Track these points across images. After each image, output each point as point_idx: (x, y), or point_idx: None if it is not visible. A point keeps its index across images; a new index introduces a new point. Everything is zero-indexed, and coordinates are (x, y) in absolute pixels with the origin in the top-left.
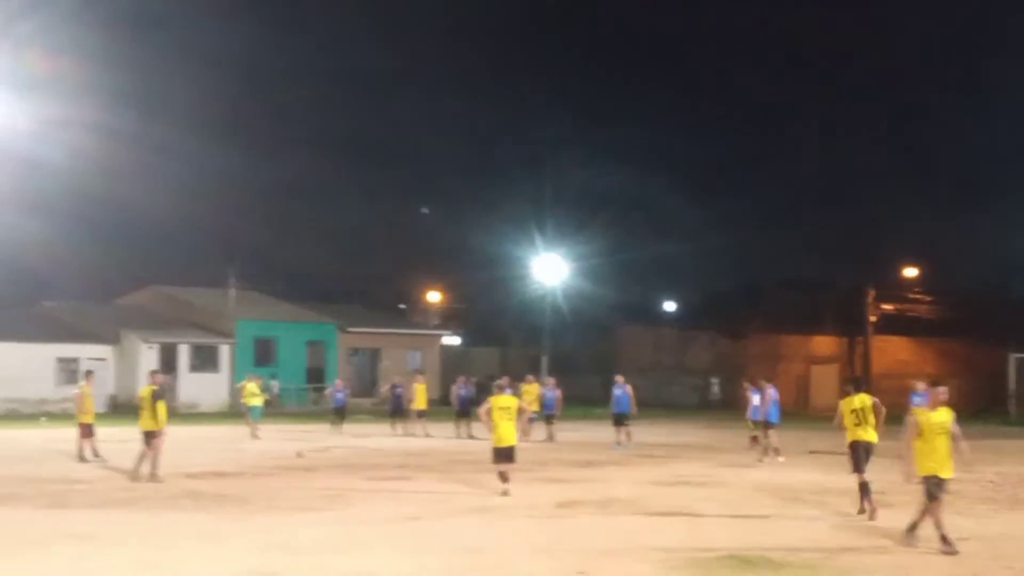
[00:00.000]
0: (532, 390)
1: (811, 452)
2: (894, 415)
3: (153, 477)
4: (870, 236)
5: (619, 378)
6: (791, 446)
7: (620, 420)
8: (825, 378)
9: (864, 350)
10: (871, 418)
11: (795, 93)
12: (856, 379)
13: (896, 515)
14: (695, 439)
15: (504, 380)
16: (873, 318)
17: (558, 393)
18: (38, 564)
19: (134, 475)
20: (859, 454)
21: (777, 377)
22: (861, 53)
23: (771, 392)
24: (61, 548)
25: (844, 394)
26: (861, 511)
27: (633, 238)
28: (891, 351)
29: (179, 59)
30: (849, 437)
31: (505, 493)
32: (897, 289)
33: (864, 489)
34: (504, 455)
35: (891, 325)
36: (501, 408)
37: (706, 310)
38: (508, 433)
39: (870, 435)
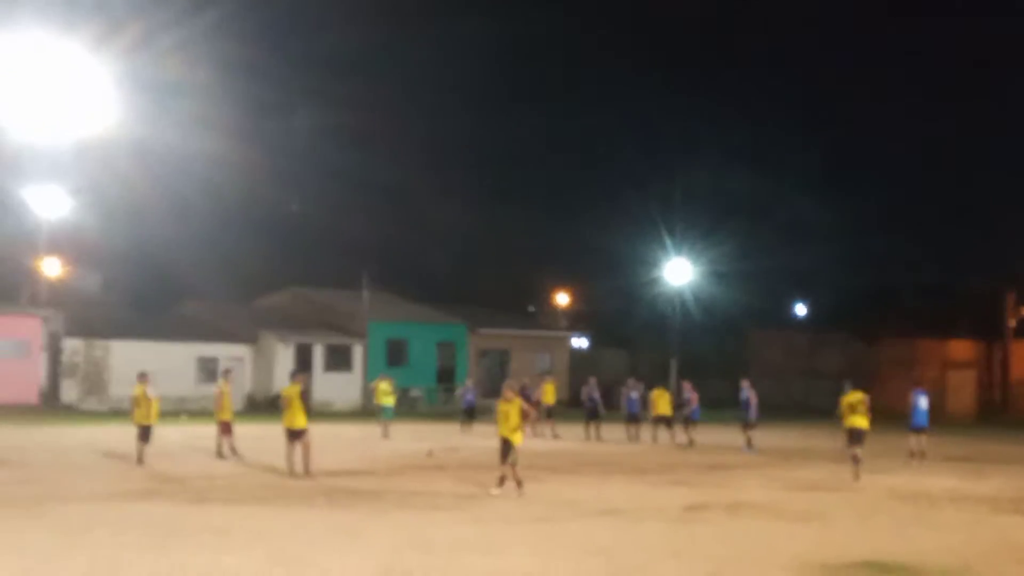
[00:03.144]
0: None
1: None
2: None
3: (295, 473)
4: (1010, 238)
5: (745, 382)
6: (927, 451)
7: (746, 424)
8: (962, 384)
9: (1003, 355)
10: (862, 409)
11: (930, 95)
12: (852, 380)
13: None
14: (826, 443)
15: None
16: (1012, 322)
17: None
18: (181, 558)
19: (310, 472)
20: (853, 436)
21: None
22: (994, 53)
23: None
24: (202, 542)
25: (845, 391)
26: (856, 478)
27: (763, 242)
28: None
29: (314, 67)
30: (846, 424)
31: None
32: None
33: (855, 460)
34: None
35: None
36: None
37: (838, 314)
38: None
39: (862, 422)
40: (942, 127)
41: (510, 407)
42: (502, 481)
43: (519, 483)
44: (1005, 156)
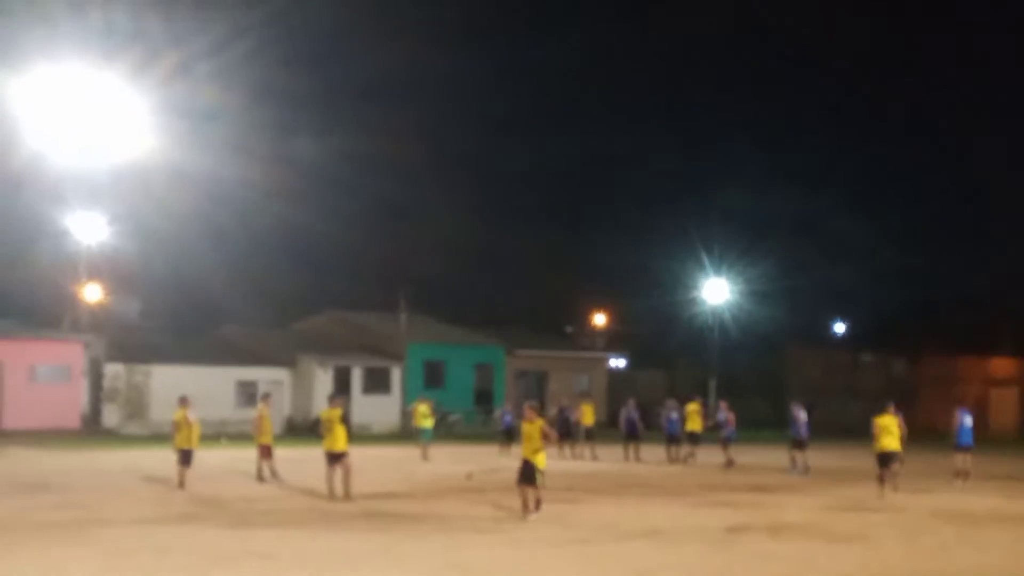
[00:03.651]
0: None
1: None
2: None
3: (335, 496)
4: None
5: (795, 404)
6: (971, 470)
7: (796, 444)
8: (1005, 401)
9: None
10: (895, 431)
11: (966, 109)
12: (892, 400)
13: None
14: (867, 464)
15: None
16: None
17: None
18: None
19: (350, 496)
20: (883, 458)
21: (958, 400)
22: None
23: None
24: (245, 567)
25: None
26: (880, 495)
27: (802, 260)
28: None
29: (348, 93)
30: (876, 447)
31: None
32: None
33: (881, 480)
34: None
35: None
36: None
37: (878, 331)
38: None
39: (893, 444)
40: (983, 141)
41: (532, 428)
42: (537, 505)
43: (538, 502)
44: None
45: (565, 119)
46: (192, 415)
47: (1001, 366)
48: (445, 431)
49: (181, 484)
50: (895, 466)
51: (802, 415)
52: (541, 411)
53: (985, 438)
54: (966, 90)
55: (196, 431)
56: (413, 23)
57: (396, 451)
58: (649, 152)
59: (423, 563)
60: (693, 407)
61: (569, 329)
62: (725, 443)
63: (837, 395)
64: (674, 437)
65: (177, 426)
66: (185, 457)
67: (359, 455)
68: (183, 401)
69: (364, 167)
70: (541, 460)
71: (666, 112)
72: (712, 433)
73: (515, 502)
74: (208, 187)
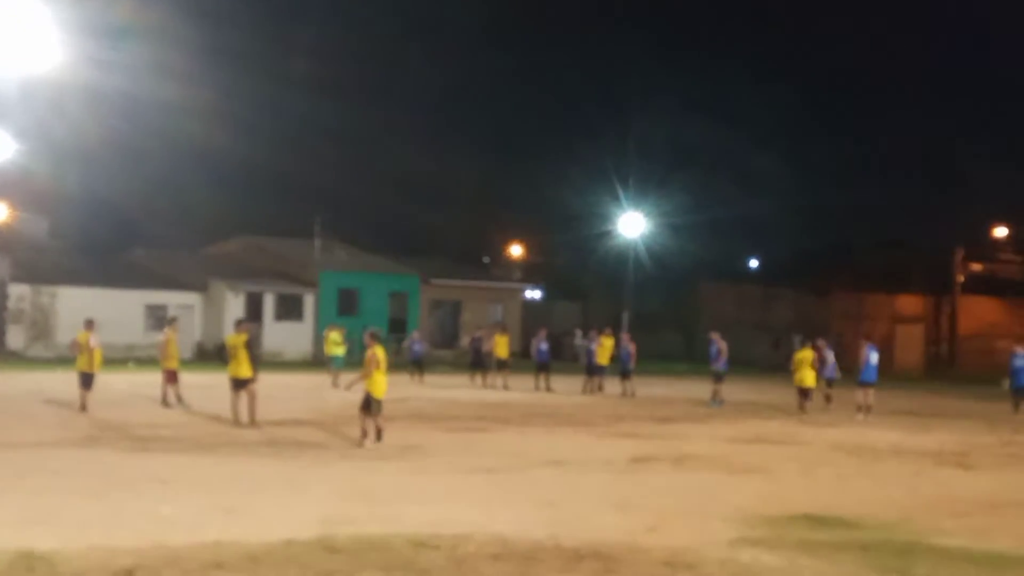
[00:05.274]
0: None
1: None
2: (983, 376)
3: (239, 422)
4: (960, 195)
5: (714, 335)
6: (873, 405)
7: (715, 377)
8: (911, 338)
9: (951, 310)
10: (811, 364)
11: (884, 51)
12: (802, 335)
13: (977, 477)
14: (775, 397)
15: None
16: (961, 278)
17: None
18: (117, 504)
19: (255, 422)
20: (805, 391)
21: (860, 336)
22: (949, 18)
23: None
24: (141, 490)
25: (801, 347)
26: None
27: (717, 194)
28: (979, 312)
29: (268, 12)
30: (796, 378)
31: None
32: (987, 249)
33: (803, 407)
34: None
35: (980, 286)
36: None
37: (790, 267)
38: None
39: (809, 379)
40: (895, 83)
41: (365, 356)
42: (379, 433)
43: (377, 432)
44: (956, 114)
45: (485, 48)
46: (94, 340)
47: (908, 303)
48: (360, 350)
49: (83, 407)
50: (807, 402)
51: (721, 346)
52: (380, 339)
53: (890, 374)
54: (888, 31)
55: (98, 356)
56: None
57: (307, 378)
58: (567, 82)
59: (328, 489)
60: (607, 340)
61: (485, 259)
62: (624, 375)
63: (748, 329)
64: (593, 368)
65: (79, 348)
66: (86, 380)
67: (270, 382)
68: (89, 324)
69: (283, 88)
70: (371, 387)
71: (584, 43)
72: (615, 365)
73: (423, 430)
74: (123, 106)
